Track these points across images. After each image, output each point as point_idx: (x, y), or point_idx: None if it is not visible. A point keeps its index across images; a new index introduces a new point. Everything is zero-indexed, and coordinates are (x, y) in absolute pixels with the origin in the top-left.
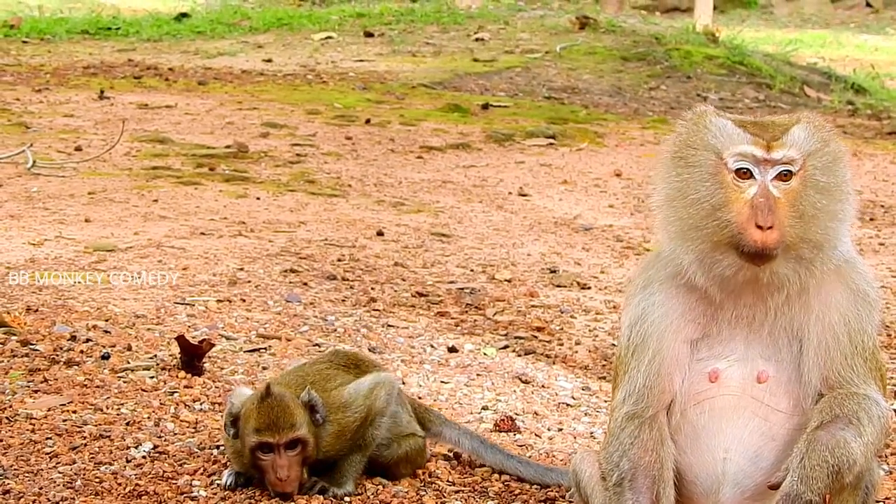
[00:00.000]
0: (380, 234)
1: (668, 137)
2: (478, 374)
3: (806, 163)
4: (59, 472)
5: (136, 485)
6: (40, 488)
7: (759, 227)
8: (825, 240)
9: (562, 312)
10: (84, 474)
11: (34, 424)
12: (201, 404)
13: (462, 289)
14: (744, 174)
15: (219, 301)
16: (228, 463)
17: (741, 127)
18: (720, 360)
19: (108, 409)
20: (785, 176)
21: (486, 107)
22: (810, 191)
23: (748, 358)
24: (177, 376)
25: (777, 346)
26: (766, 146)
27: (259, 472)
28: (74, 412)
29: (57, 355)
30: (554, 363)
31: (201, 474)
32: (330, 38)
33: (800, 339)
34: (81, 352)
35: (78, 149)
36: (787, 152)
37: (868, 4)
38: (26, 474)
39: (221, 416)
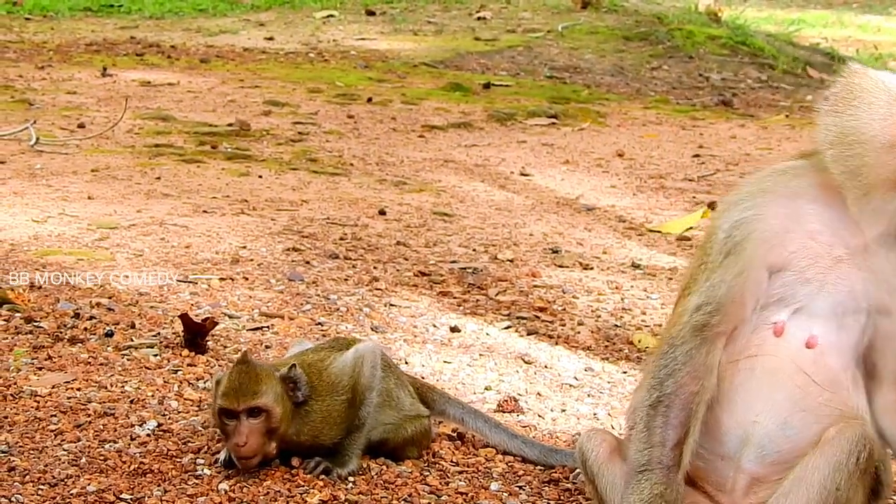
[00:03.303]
0: (382, 213)
1: (835, 82)
2: (480, 354)
3: None
4: (64, 450)
5: (141, 463)
6: (45, 465)
7: None
8: None
9: (564, 293)
10: (89, 452)
11: (38, 402)
12: (205, 382)
13: (464, 268)
14: None
15: (221, 279)
16: None
17: None
18: (786, 307)
19: (112, 386)
20: None
21: (487, 86)
22: None
23: (811, 313)
24: (180, 354)
25: (846, 307)
26: None
27: (224, 437)
28: (79, 390)
29: (61, 332)
30: (556, 343)
31: (205, 452)
32: (331, 16)
33: (867, 312)
34: (85, 329)
35: (81, 126)
36: None
37: None
38: (31, 451)
39: None
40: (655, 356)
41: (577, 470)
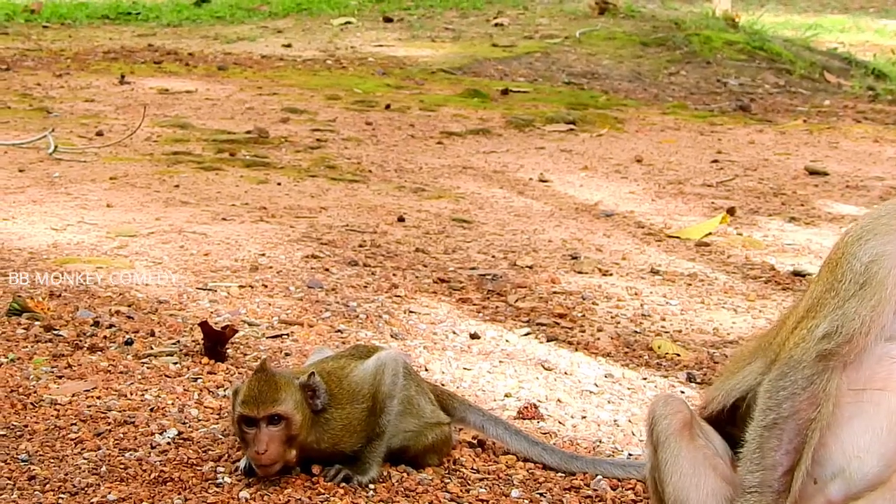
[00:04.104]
0: (401, 219)
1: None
2: (500, 361)
3: None
4: (85, 458)
5: (161, 471)
6: (66, 474)
7: None
8: None
9: (584, 299)
10: (109, 460)
11: (59, 410)
12: (225, 390)
13: (484, 275)
14: None
15: (241, 287)
16: None
17: None
18: None
19: (132, 395)
20: None
21: (505, 92)
22: None
23: None
24: (200, 362)
25: None
26: None
27: (244, 445)
28: (99, 398)
29: (80, 341)
30: (576, 350)
31: (225, 461)
32: (349, 23)
33: None
34: (105, 337)
35: (99, 134)
36: None
37: None
38: (51, 460)
39: None
40: (773, 376)
41: (598, 476)
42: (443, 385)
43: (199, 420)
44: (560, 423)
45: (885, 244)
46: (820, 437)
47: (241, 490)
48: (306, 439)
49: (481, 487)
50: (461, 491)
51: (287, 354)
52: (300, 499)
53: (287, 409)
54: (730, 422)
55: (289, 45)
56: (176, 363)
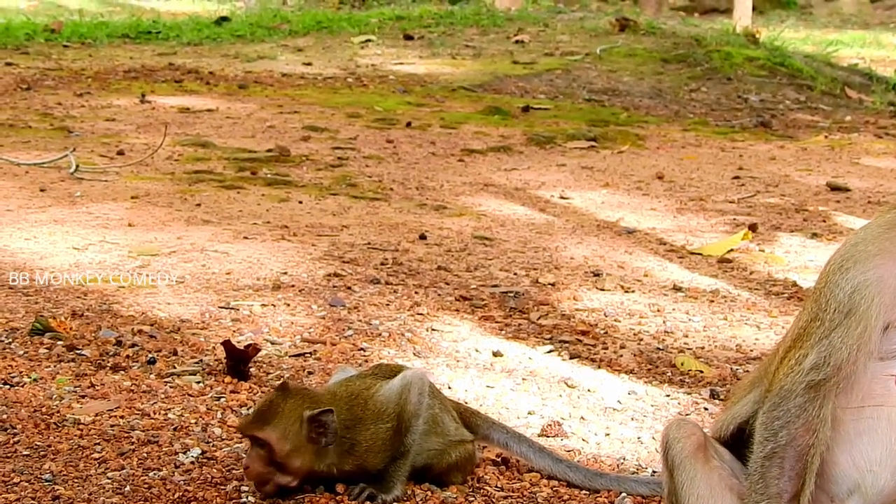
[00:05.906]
0: (422, 237)
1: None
2: (523, 379)
3: None
4: (108, 478)
5: (185, 490)
6: (90, 494)
7: None
8: None
9: (606, 316)
10: (133, 480)
11: (82, 430)
12: (248, 409)
13: (506, 292)
14: None
15: (263, 305)
16: None
17: None
18: None
19: (155, 414)
20: None
21: (526, 109)
22: None
23: None
24: (223, 381)
25: None
26: None
27: None
28: (122, 417)
29: (103, 360)
30: (599, 367)
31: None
32: (369, 41)
33: None
34: (127, 357)
35: (120, 153)
36: None
37: None
38: (75, 480)
39: None
40: (766, 407)
41: (623, 494)
42: (466, 403)
43: (223, 439)
44: (584, 440)
45: (866, 272)
46: (830, 455)
47: None
48: (311, 467)
49: None
50: None
51: (310, 373)
52: None
53: (269, 436)
54: (740, 444)
55: (309, 64)
56: (199, 382)
